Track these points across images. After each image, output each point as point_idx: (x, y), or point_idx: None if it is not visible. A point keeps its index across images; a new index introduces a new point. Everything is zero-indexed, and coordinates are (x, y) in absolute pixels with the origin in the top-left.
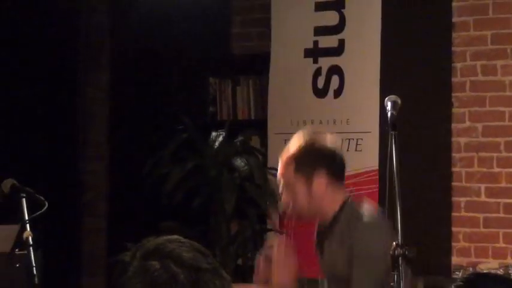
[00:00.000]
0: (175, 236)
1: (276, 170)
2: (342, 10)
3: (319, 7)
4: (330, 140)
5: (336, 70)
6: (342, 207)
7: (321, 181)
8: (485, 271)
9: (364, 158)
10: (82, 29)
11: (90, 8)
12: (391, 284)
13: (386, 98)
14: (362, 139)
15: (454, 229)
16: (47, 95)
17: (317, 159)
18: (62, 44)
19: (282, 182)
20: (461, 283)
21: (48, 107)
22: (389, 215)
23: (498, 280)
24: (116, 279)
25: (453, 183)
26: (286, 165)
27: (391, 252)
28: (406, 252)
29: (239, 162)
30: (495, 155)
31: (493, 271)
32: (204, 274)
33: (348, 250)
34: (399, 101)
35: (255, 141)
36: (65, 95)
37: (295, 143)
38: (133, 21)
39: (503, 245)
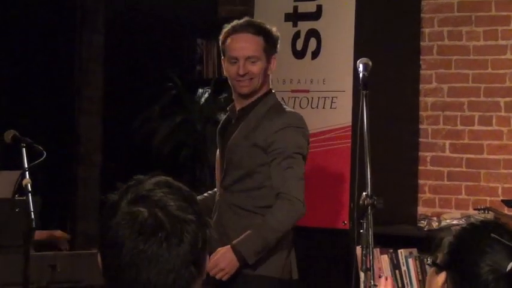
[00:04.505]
0: (164, 179)
1: None
2: None
3: None
4: None
5: (313, 33)
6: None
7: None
8: (481, 219)
9: (338, 115)
10: None
11: None
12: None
13: (359, 60)
14: (337, 97)
15: (420, 181)
16: (47, 55)
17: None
18: (61, 8)
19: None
20: (463, 228)
21: (48, 66)
22: (360, 167)
23: (500, 227)
24: (105, 220)
25: (420, 139)
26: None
27: (360, 202)
28: (375, 202)
29: (223, 116)
30: (459, 113)
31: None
32: (188, 225)
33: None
34: (370, 63)
35: None
36: (63, 54)
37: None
38: None
39: (465, 197)
